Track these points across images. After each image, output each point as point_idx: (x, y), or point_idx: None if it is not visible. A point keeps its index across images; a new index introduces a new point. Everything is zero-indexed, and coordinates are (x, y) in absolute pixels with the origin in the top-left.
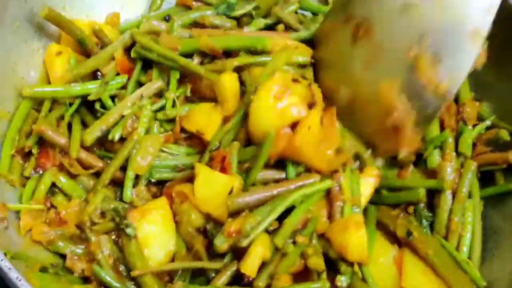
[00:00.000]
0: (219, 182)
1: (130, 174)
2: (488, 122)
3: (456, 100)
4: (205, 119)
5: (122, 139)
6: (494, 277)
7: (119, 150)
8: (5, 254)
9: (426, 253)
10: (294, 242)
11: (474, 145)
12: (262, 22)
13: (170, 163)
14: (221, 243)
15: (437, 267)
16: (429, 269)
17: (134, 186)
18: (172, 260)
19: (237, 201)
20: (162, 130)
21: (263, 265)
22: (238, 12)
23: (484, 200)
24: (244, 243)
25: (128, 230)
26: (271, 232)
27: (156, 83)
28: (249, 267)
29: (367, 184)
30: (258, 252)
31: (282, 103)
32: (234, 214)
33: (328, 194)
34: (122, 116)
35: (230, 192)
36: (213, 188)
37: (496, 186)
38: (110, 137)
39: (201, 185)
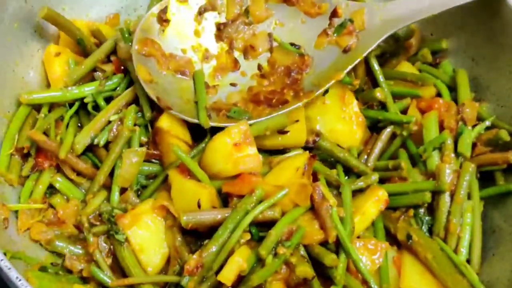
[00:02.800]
0: (190, 190)
1: (117, 185)
2: (487, 123)
3: (456, 100)
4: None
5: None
6: (495, 276)
7: (106, 158)
8: (5, 254)
9: (425, 257)
10: (276, 254)
11: (474, 145)
12: None
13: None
14: (187, 283)
15: (436, 270)
16: (428, 271)
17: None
18: (168, 260)
19: (192, 218)
20: (144, 139)
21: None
22: None
23: (484, 200)
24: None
25: (118, 236)
26: (259, 240)
27: (130, 92)
28: (226, 276)
29: (373, 204)
30: (236, 262)
31: (240, 153)
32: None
33: (312, 208)
34: (109, 121)
35: (199, 204)
36: (185, 195)
37: (496, 186)
38: (95, 142)
39: (175, 193)
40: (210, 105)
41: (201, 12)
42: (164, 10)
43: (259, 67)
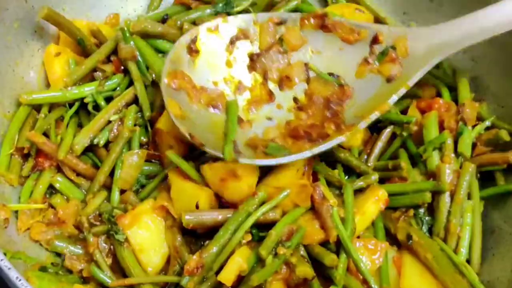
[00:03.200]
0: (189, 191)
1: (117, 186)
2: (488, 123)
3: (456, 100)
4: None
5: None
6: (495, 276)
7: (106, 158)
8: (5, 254)
9: (425, 257)
10: (276, 254)
11: (474, 145)
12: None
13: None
14: (187, 283)
15: (436, 270)
16: (428, 271)
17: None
18: (168, 260)
19: (194, 218)
20: (144, 139)
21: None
22: (237, 9)
23: (484, 200)
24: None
25: (118, 236)
26: (259, 240)
27: (129, 92)
28: (226, 276)
29: (373, 204)
30: (236, 263)
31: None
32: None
33: (312, 208)
34: (109, 121)
35: (197, 205)
36: (184, 196)
37: (496, 187)
38: (95, 141)
39: (175, 193)
40: (245, 141)
41: (232, 42)
42: (194, 40)
43: (295, 100)
